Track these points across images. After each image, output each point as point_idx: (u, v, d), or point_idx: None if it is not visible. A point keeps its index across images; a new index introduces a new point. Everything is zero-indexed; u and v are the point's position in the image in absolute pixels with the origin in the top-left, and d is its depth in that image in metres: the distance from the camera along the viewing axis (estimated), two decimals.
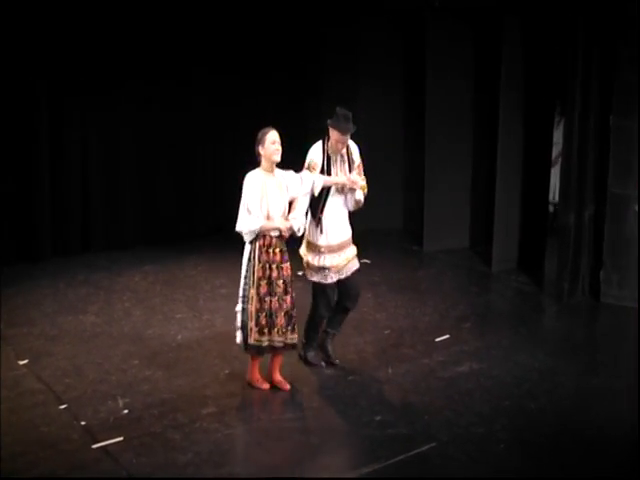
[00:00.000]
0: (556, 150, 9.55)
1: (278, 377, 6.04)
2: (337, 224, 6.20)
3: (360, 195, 6.22)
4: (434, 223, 9.75)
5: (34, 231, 9.09)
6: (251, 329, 5.78)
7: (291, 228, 5.86)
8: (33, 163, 8.98)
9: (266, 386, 5.98)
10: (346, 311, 6.43)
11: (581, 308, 7.95)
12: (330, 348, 6.41)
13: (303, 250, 6.27)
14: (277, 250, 5.81)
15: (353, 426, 5.48)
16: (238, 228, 5.83)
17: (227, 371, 6.25)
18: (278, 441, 5.28)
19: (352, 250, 6.33)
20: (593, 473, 4.94)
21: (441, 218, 9.75)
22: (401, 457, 5.00)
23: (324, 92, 10.18)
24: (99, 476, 4.82)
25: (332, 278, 6.19)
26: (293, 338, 5.94)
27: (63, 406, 5.64)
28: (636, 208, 7.75)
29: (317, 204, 6.12)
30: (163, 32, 9.57)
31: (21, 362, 6.37)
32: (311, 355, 6.39)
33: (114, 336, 6.97)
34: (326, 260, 6.16)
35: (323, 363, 6.37)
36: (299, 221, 5.91)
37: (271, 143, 5.77)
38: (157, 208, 9.99)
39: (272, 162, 5.82)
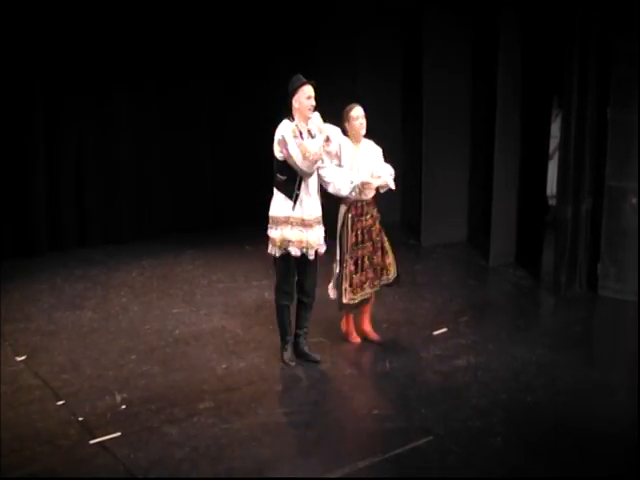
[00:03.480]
0: (554, 143, 9.56)
1: (368, 327, 6.60)
2: (311, 199, 5.99)
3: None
4: (432, 217, 9.74)
5: (30, 226, 9.11)
6: (345, 289, 6.21)
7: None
8: (29, 159, 9.00)
9: (357, 339, 6.47)
10: (304, 306, 6.25)
11: (579, 301, 7.95)
12: (306, 348, 6.30)
13: (270, 229, 6.01)
14: (369, 216, 6.25)
15: (350, 420, 5.48)
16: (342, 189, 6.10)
17: (224, 366, 6.24)
18: (275, 436, 5.27)
19: (321, 230, 6.10)
20: (590, 467, 4.93)
21: (439, 212, 9.75)
22: (398, 451, 4.99)
23: (321, 87, 10.15)
24: (96, 471, 4.81)
25: (295, 252, 5.95)
26: (389, 278, 6.49)
27: (60, 402, 5.63)
28: (634, 201, 7.74)
29: (294, 180, 5.91)
30: (161, 30, 9.62)
31: (18, 358, 6.37)
32: (285, 355, 6.26)
33: (111, 331, 6.98)
34: (292, 233, 5.92)
35: (293, 363, 6.21)
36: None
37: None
38: (154, 202, 10.01)
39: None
